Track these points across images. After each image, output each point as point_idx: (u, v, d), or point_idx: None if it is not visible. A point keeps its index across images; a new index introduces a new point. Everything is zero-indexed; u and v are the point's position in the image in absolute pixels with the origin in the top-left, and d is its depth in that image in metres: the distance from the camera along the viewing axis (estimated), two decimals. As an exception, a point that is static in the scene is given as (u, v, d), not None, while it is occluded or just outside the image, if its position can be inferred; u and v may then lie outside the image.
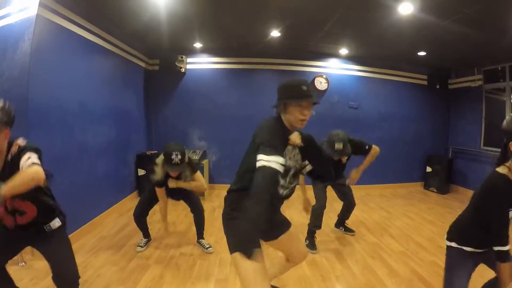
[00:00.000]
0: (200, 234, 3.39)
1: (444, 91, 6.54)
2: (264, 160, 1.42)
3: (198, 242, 3.39)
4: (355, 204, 3.70)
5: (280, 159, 1.44)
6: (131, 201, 4.78)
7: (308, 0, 3.45)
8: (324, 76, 5.95)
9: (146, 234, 3.37)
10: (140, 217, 3.26)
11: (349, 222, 3.94)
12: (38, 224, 1.78)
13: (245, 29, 4.58)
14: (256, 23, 4.31)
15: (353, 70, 6.16)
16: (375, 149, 3.31)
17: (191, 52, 5.72)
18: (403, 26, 3.98)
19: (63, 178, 3.22)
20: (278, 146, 1.52)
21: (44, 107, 3.07)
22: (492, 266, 1.74)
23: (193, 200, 3.30)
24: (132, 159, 5.06)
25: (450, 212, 4.86)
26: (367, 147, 3.30)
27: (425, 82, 6.50)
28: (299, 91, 1.63)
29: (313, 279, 2.75)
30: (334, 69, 6.08)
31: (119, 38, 4.48)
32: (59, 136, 3.28)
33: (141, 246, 3.27)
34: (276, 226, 1.91)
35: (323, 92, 5.92)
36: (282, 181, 1.71)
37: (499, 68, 5.55)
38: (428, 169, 6.44)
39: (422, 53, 5.41)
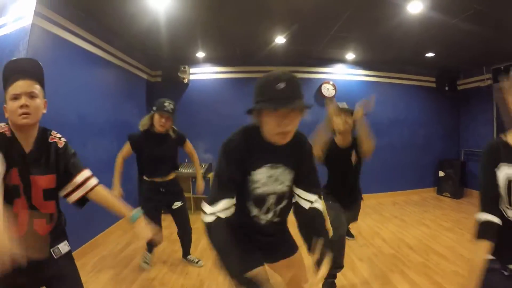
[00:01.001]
0: (186, 252, 3.23)
1: (453, 93, 6.43)
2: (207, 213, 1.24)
3: (186, 258, 3.22)
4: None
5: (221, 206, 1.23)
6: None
7: (313, 3, 3.35)
8: (331, 83, 5.81)
9: (151, 249, 3.13)
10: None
11: (363, 232, 3.75)
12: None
13: (249, 36, 4.47)
14: (260, 29, 4.19)
15: (360, 75, 6.05)
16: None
17: (194, 62, 5.61)
18: (411, 26, 3.87)
19: (62, 195, 3.08)
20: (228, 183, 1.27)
21: (43, 119, 2.96)
22: None
23: (183, 219, 3.10)
24: (135, 174, 4.90)
25: (466, 217, 4.69)
26: None
27: (434, 85, 6.41)
28: (271, 92, 1.17)
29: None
30: (341, 75, 5.96)
31: (119, 49, 4.38)
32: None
33: (147, 263, 3.07)
34: (272, 249, 1.57)
35: (332, 97, 5.78)
36: (255, 212, 1.40)
37: (506, 66, 5.40)
38: (441, 174, 6.27)
39: (430, 54, 5.29)
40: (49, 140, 1.45)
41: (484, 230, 1.19)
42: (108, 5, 3.38)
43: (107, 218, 4.09)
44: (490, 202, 1.22)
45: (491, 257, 1.20)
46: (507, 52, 4.91)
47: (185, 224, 3.08)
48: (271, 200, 1.39)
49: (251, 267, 1.33)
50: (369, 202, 5.35)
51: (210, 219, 1.22)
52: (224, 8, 3.48)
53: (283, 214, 1.48)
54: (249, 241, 1.45)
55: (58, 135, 1.51)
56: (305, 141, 1.44)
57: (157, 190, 2.91)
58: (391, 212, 5.14)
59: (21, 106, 1.30)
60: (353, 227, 3.85)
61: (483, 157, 1.29)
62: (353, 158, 2.49)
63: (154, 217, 2.70)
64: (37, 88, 1.36)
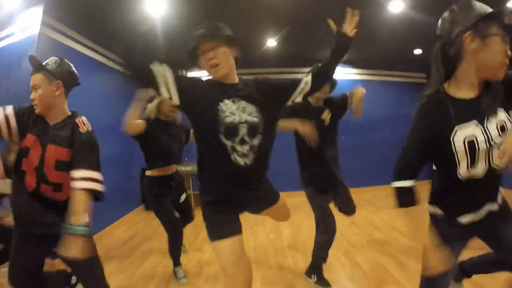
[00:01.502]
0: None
1: None
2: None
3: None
4: (354, 212, 2.52)
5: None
6: (137, 215, 4.84)
7: (301, 6, 3.56)
8: (324, 82, 6.01)
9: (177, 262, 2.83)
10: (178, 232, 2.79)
11: (356, 222, 3.91)
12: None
13: (242, 40, 4.66)
14: (252, 34, 4.43)
15: (352, 74, 6.28)
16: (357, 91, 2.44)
17: (191, 66, 5.81)
18: (395, 25, 4.08)
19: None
20: None
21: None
22: None
23: (188, 207, 3.03)
24: (137, 173, 5.12)
25: None
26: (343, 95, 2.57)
27: (424, 80, 6.58)
28: (193, 36, 1.47)
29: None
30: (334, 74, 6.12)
31: (118, 54, 4.60)
32: None
33: (183, 277, 2.77)
34: (256, 202, 1.67)
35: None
36: (236, 147, 1.43)
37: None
38: (434, 167, 6.38)
39: (418, 51, 5.49)
40: (75, 121, 1.63)
41: (404, 199, 1.29)
42: (108, 14, 3.62)
43: (113, 214, 4.31)
44: (410, 167, 1.30)
45: (438, 211, 1.33)
46: None
47: (191, 211, 3.07)
48: (243, 130, 1.43)
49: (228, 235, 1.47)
50: (365, 195, 5.52)
51: None
52: (217, 14, 3.74)
53: (261, 154, 1.48)
54: (232, 202, 1.56)
55: (86, 122, 1.68)
56: (256, 78, 1.62)
57: (168, 185, 2.73)
58: (386, 203, 5.26)
59: (32, 100, 1.55)
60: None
61: (419, 119, 1.24)
62: (325, 115, 2.42)
63: (170, 211, 2.72)
64: (36, 79, 1.57)
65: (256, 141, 1.45)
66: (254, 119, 1.44)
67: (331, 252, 2.62)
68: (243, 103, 1.45)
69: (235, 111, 1.42)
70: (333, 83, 2.50)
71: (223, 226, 1.49)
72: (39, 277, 1.71)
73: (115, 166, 4.47)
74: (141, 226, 4.47)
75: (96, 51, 4.03)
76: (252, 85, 1.54)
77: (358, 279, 2.68)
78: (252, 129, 1.44)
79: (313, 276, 2.57)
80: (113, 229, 4.19)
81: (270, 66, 5.87)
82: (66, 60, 1.73)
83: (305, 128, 2.24)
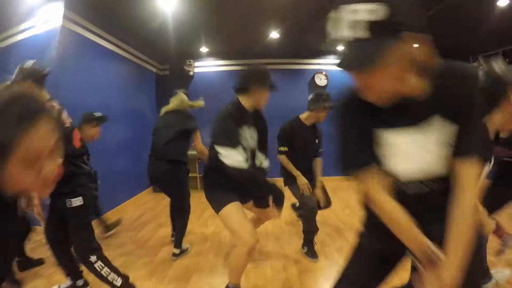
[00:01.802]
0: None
1: None
2: (223, 154, 1.80)
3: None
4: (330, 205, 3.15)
5: (238, 156, 1.80)
6: (146, 195, 5.23)
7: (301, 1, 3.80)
8: (324, 73, 6.24)
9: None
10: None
11: (350, 205, 4.20)
12: (61, 194, 1.98)
13: (246, 32, 4.98)
14: (255, 26, 4.71)
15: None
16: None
17: (198, 56, 6.15)
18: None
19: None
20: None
21: (71, 107, 3.49)
22: None
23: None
24: (147, 157, 5.45)
25: None
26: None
27: None
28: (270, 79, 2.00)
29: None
30: (333, 66, 6.34)
31: (132, 46, 4.94)
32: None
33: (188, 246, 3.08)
34: (245, 193, 2.09)
35: (324, 88, 6.22)
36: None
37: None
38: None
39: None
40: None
41: None
42: (124, 9, 3.93)
43: (125, 193, 4.67)
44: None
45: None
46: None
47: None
48: (248, 153, 1.99)
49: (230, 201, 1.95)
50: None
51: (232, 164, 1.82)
52: (224, 9, 4.02)
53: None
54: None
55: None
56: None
57: None
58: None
59: None
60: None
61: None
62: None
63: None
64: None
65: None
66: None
67: (325, 230, 2.97)
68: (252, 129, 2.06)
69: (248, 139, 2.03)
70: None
71: (223, 197, 1.95)
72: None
73: (128, 150, 4.81)
74: (151, 205, 4.84)
75: (112, 43, 4.33)
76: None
77: (347, 251, 3.01)
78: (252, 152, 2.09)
79: (305, 247, 2.95)
80: (125, 207, 4.56)
81: (273, 56, 6.15)
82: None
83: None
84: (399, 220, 0.94)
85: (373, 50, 0.74)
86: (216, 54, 6.21)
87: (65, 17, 3.40)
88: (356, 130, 0.98)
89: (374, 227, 1.05)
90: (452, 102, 0.87)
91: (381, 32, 0.73)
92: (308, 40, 5.42)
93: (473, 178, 0.89)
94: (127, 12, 4.02)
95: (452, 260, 0.85)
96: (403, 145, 0.94)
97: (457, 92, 0.87)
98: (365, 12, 0.73)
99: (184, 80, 6.12)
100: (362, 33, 0.74)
